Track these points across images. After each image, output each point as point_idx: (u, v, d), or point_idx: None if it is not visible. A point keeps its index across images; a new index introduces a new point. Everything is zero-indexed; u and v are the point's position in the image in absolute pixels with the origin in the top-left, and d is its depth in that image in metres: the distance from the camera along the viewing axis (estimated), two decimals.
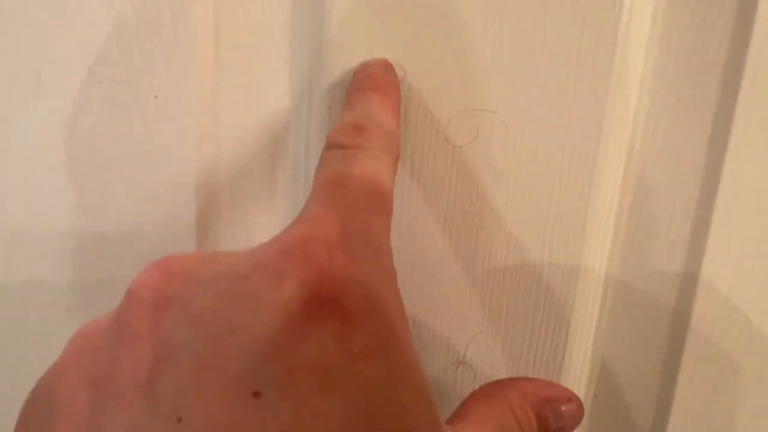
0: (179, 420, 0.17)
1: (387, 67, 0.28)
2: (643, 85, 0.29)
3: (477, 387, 0.32)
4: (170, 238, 0.31)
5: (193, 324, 0.18)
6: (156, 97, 0.29)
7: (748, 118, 0.28)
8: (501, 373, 0.32)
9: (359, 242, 0.20)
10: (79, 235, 0.31)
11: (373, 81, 0.27)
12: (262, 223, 0.32)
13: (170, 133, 0.30)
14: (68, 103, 0.29)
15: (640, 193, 0.30)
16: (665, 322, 0.32)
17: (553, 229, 0.30)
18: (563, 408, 0.24)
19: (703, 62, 0.28)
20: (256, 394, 0.16)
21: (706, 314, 0.31)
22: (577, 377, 0.33)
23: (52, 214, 0.31)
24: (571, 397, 0.25)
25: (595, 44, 0.28)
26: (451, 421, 0.24)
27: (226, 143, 0.30)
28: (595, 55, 0.28)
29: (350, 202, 0.21)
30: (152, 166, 0.30)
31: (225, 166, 0.31)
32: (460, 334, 0.32)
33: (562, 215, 0.30)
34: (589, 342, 0.33)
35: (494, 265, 0.31)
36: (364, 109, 0.25)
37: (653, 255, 0.31)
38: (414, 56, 0.28)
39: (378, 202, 0.22)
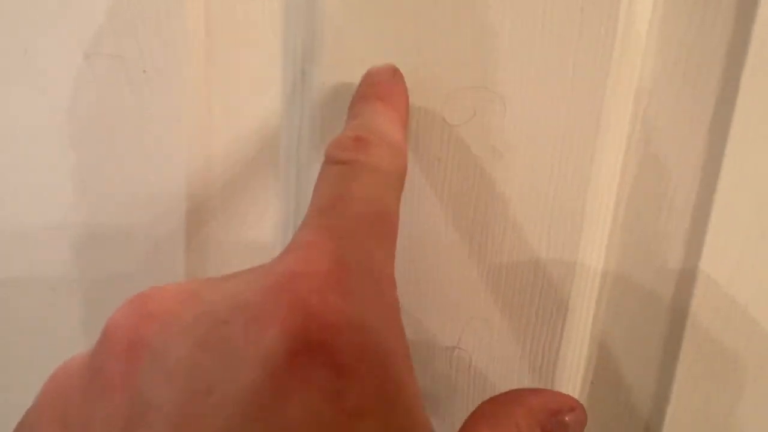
0: None
1: (394, 74, 0.26)
2: (644, 67, 0.28)
3: (472, 372, 0.31)
4: (160, 216, 0.31)
5: (169, 379, 0.17)
6: (145, 71, 0.28)
7: (749, 106, 0.27)
8: (496, 359, 0.32)
9: (358, 274, 0.18)
10: (64, 213, 0.31)
11: (379, 89, 0.25)
12: (251, 200, 0.31)
13: (160, 108, 0.29)
14: (54, 76, 0.29)
15: (642, 176, 0.30)
16: (664, 310, 0.31)
17: (552, 212, 0.30)
18: (567, 418, 0.23)
19: (706, 48, 0.28)
20: None
21: (705, 305, 0.30)
22: (574, 363, 0.32)
23: (35, 190, 0.31)
24: (574, 406, 0.24)
25: (597, 22, 0.27)
26: None
27: (217, 115, 0.30)
28: (596, 32, 0.27)
29: (349, 228, 0.19)
30: (141, 142, 0.30)
31: (216, 141, 0.30)
32: (455, 319, 0.31)
33: (562, 198, 0.30)
34: (587, 327, 0.32)
35: (491, 248, 0.30)
36: (368, 119, 0.23)
37: (653, 242, 0.31)
38: (410, 30, 0.28)
39: (381, 225, 0.20)
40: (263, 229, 0.31)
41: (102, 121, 0.29)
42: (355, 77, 0.28)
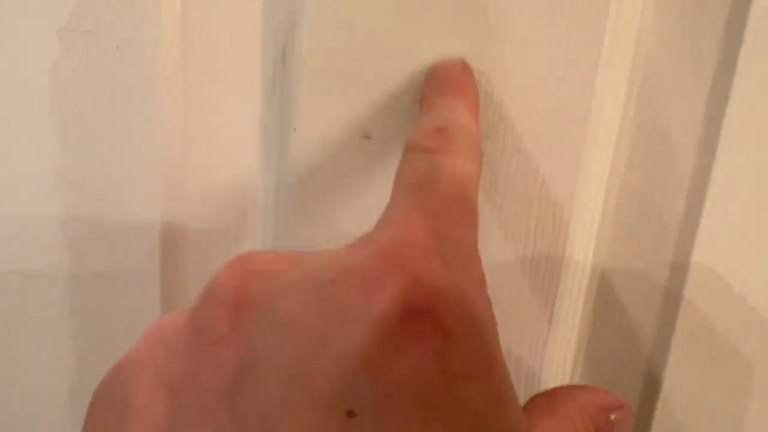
0: None
1: (464, 68, 0.27)
2: (639, 43, 0.28)
3: None
4: (136, 197, 0.30)
5: (279, 331, 0.17)
6: (118, 47, 0.28)
7: (746, 92, 0.27)
8: None
9: (451, 249, 0.19)
10: (36, 196, 0.30)
11: (452, 84, 0.26)
12: (230, 174, 0.31)
13: (133, 85, 0.28)
14: (26, 52, 0.28)
15: (634, 161, 0.29)
16: (656, 302, 0.31)
17: (540, 195, 0.29)
18: (613, 416, 0.24)
19: (703, 25, 0.27)
20: (350, 414, 0.15)
21: (698, 292, 0.30)
22: (561, 356, 0.32)
23: (6, 172, 0.30)
24: (621, 404, 0.24)
25: None
26: None
27: (192, 93, 0.29)
28: (589, 8, 0.27)
29: (440, 207, 0.20)
30: (115, 120, 0.29)
31: (192, 118, 0.30)
32: None
33: (549, 183, 0.29)
34: (575, 320, 0.32)
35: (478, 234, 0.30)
36: (446, 112, 0.25)
37: (644, 230, 0.30)
38: (394, 8, 0.27)
39: (466, 209, 0.21)
40: (244, 202, 0.31)
41: (74, 98, 0.29)
42: (338, 59, 0.28)
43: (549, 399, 0.23)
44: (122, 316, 0.32)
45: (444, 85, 0.27)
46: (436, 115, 0.24)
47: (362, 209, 0.29)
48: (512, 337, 0.31)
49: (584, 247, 0.30)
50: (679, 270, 0.30)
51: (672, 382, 0.31)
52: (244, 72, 0.29)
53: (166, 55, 0.28)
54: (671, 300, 0.30)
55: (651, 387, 0.32)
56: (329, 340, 0.16)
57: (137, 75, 0.28)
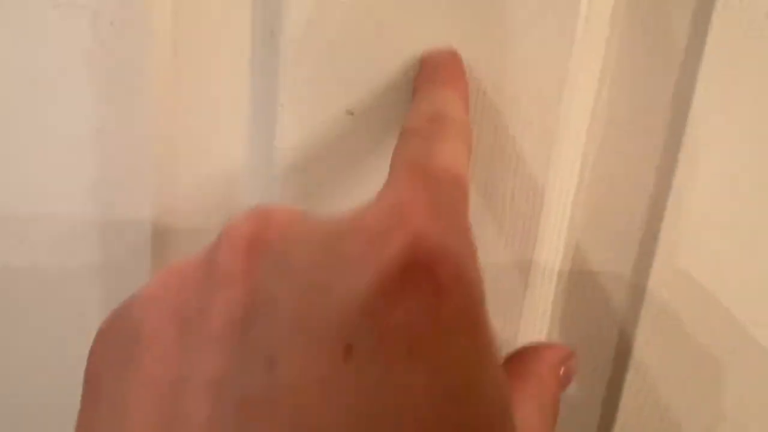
0: (272, 367, 0.17)
1: (455, 57, 0.28)
2: (613, 28, 0.29)
3: None
4: (128, 169, 0.30)
5: (289, 277, 0.18)
6: (112, 23, 0.28)
7: (713, 72, 0.28)
8: None
9: (448, 214, 0.20)
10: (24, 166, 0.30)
11: (443, 73, 0.28)
12: (222, 160, 0.31)
13: (126, 61, 0.29)
14: (21, 27, 0.28)
15: (608, 138, 0.30)
16: (622, 286, 0.32)
17: (515, 174, 0.30)
18: (570, 365, 0.27)
19: (673, 10, 0.28)
20: (347, 352, 0.17)
21: (662, 282, 0.31)
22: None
23: None
24: (571, 353, 0.27)
25: None
26: None
27: (184, 70, 0.30)
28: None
29: (434, 179, 0.21)
30: (106, 96, 0.29)
31: (182, 96, 0.30)
32: None
33: (524, 169, 0.30)
34: (548, 298, 0.32)
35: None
36: (439, 102, 0.26)
37: (614, 215, 0.31)
38: None
39: (459, 183, 0.22)
40: (233, 177, 0.31)
41: (68, 72, 0.29)
42: (324, 38, 0.28)
43: (521, 364, 0.26)
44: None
45: (436, 73, 0.28)
46: (429, 104, 0.26)
47: (347, 182, 0.30)
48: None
49: (560, 213, 0.31)
50: (644, 265, 0.31)
51: (636, 379, 0.32)
52: (233, 50, 0.29)
53: (157, 33, 0.29)
54: (636, 295, 0.31)
55: (615, 384, 0.32)
56: (335, 287, 0.18)
57: (130, 51, 0.29)
